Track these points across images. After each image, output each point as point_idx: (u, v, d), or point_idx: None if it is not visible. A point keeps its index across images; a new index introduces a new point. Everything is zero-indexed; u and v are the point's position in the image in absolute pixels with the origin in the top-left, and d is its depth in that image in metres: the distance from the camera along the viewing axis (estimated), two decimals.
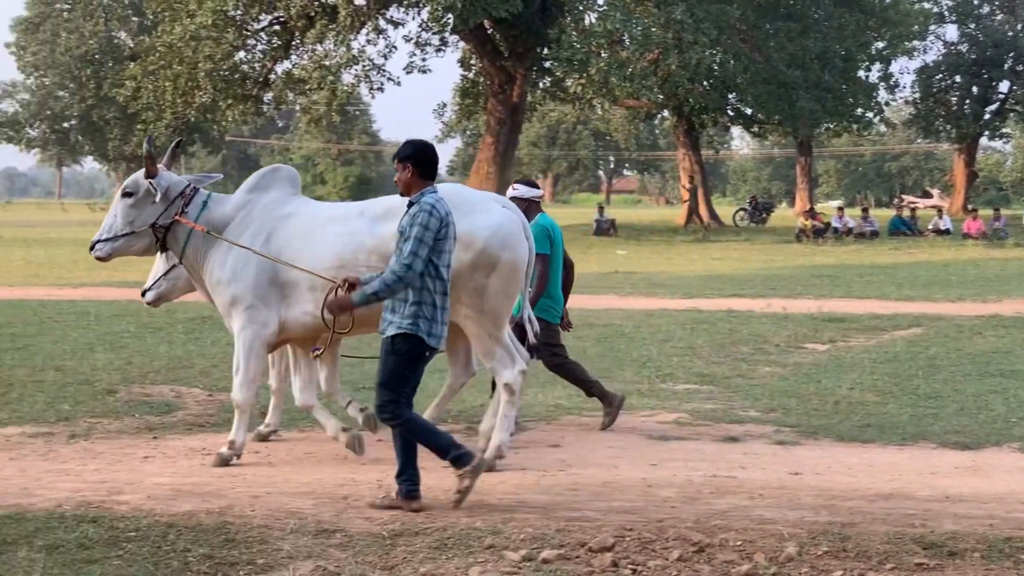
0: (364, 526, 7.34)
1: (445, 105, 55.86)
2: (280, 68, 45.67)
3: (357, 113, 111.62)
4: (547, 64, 45.42)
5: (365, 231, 8.99)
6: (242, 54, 45.72)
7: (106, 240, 9.50)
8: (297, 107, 50.57)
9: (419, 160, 7.82)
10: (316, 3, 41.65)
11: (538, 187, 11.27)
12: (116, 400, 11.92)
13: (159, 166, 9.48)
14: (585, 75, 42.29)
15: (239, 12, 43.54)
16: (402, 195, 7.98)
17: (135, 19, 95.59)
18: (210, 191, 9.68)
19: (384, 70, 44.11)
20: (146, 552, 6.76)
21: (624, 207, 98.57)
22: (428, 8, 42.60)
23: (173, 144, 10.06)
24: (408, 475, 7.86)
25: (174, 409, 11.52)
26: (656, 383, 13.14)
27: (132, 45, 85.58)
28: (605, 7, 42.60)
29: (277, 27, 44.74)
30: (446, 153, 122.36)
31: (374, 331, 8.26)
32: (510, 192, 11.18)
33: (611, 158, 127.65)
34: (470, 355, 9.94)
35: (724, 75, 46.88)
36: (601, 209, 51.88)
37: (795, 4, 50.17)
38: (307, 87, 43.36)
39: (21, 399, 11.74)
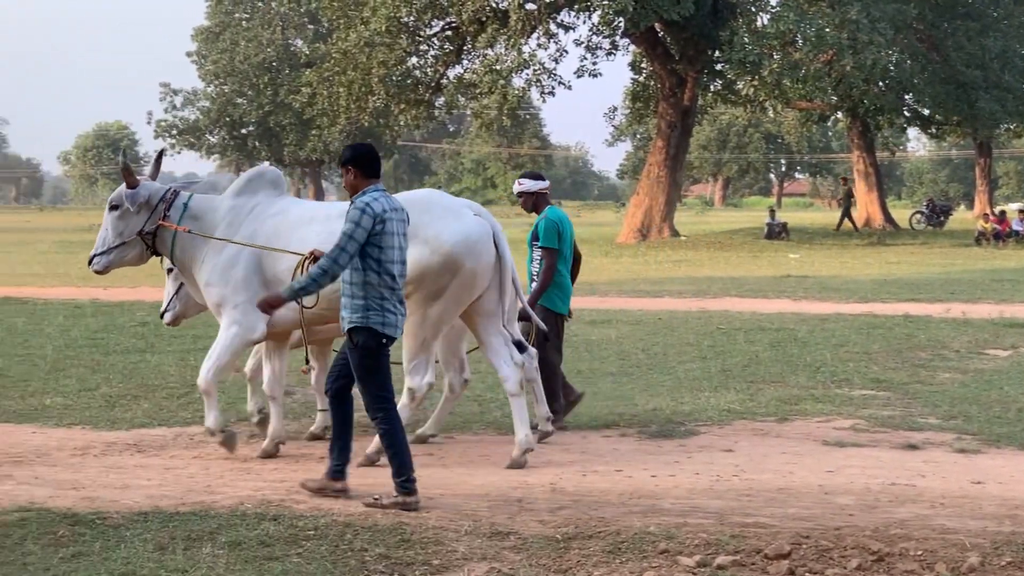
0: (538, 529, 7.36)
1: (616, 109, 55.80)
2: (452, 73, 46.07)
3: (527, 117, 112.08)
4: (719, 66, 45.03)
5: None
6: (415, 59, 46.23)
7: (101, 254, 9.83)
8: (468, 111, 50.99)
9: (359, 162, 8.15)
10: (488, 8, 41.92)
11: (544, 179, 11.48)
12: (293, 401, 12.14)
13: (140, 177, 9.81)
14: (757, 77, 41.85)
15: (412, 18, 44.03)
16: (350, 197, 8.25)
17: (311, 27, 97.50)
18: (191, 193, 9.93)
19: (555, 74, 44.17)
20: (324, 551, 6.87)
21: (795, 210, 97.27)
22: (599, 12, 42.57)
23: (157, 153, 10.33)
24: (403, 474, 7.99)
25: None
26: (831, 388, 12.92)
27: (308, 52, 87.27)
28: (778, 8, 42.10)
29: (449, 32, 45.16)
30: (616, 157, 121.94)
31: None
32: (516, 187, 11.43)
33: (782, 161, 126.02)
34: (463, 361, 10.34)
35: (900, 75, 45.96)
36: (772, 212, 51.24)
37: (974, 3, 48.94)
38: (478, 91, 43.67)
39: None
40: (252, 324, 9.46)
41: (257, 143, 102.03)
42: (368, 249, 7.97)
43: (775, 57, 40.99)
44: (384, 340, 8.02)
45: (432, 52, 46.29)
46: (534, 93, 45.24)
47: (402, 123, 47.06)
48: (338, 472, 8.25)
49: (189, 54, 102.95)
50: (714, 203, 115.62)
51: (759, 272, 30.57)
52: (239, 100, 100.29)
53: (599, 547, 6.93)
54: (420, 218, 9.11)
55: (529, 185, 11.35)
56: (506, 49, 42.43)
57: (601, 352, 15.68)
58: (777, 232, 46.69)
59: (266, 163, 9.47)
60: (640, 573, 6.51)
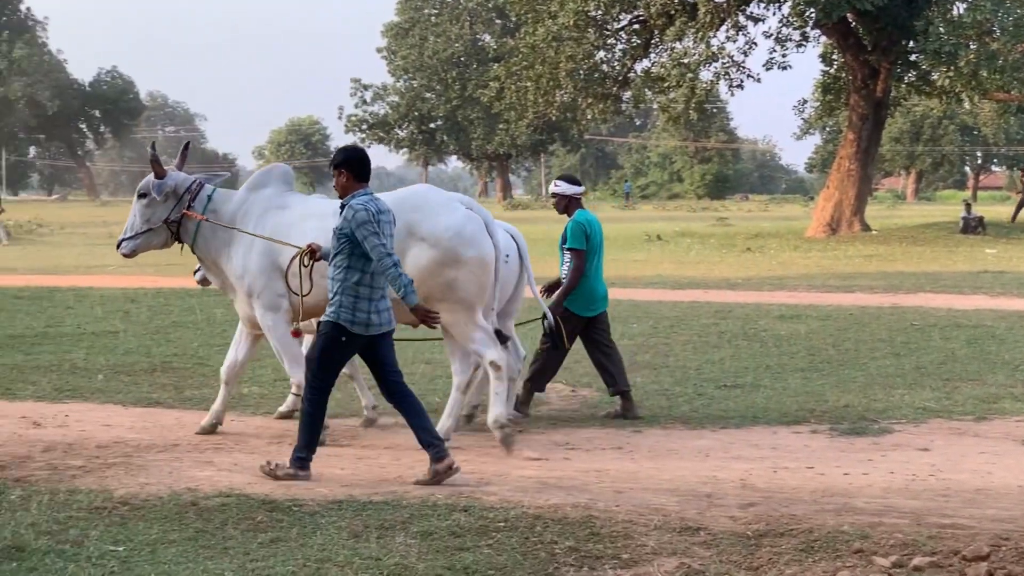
0: (728, 525, 7.29)
1: (805, 101, 54.86)
2: (639, 66, 45.88)
3: (715, 110, 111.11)
4: (913, 57, 43.99)
5: (333, 228, 9.35)
6: (602, 53, 46.16)
7: (129, 238, 10.35)
8: (655, 105, 50.65)
9: (351, 165, 8.61)
10: (676, 1, 41.65)
11: (579, 184, 11.77)
12: (483, 394, 12.23)
13: (169, 168, 10.36)
14: (953, 68, 40.75)
15: (600, 12, 44.00)
16: (340, 198, 8.70)
17: (498, 22, 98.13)
18: (215, 186, 10.49)
19: (743, 67, 43.73)
20: (514, 542, 6.92)
21: (992, 204, 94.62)
22: (790, 3, 41.97)
23: (183, 146, 10.80)
24: (304, 451, 8.56)
25: (537, 404, 11.74)
26: None
27: (496, 47, 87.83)
28: None
29: (637, 26, 44.98)
30: (805, 150, 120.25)
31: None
32: (552, 188, 11.77)
33: (978, 153, 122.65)
34: (515, 342, 10.65)
35: None
36: (968, 206, 49.86)
37: None
38: (666, 85, 43.42)
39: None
40: (276, 304, 10.00)
41: (445, 137, 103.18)
42: (357, 249, 8.41)
43: (971, 47, 39.87)
44: (344, 338, 8.45)
45: (620, 46, 46.16)
46: (722, 86, 44.78)
47: (589, 117, 47.02)
48: (439, 454, 8.46)
49: (379, 50, 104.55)
50: (906, 197, 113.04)
51: (954, 267, 29.82)
52: (427, 95, 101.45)
53: (791, 545, 6.84)
54: (413, 216, 9.60)
55: (564, 188, 11.61)
56: (694, 42, 42.12)
57: (790, 347, 15.48)
58: (973, 227, 45.44)
59: (280, 163, 9.97)
60: (834, 573, 6.40)
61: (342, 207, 8.61)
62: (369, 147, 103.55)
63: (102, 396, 11.90)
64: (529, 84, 45.22)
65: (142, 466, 8.90)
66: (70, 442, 9.80)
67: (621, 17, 44.90)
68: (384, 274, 8.39)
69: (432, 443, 8.47)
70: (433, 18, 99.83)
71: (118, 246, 10.47)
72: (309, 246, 9.09)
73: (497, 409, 9.65)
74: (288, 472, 8.52)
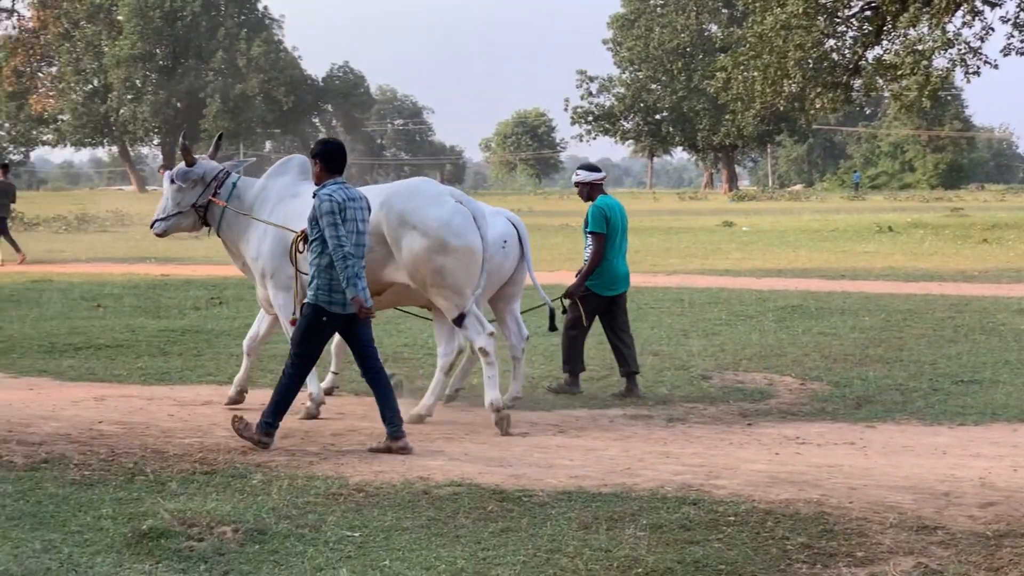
0: (967, 524, 7.08)
1: None
2: (870, 54, 44.91)
3: (949, 98, 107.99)
4: None
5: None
6: (832, 42, 45.35)
7: (161, 220, 11.15)
8: (886, 94, 49.52)
9: (325, 157, 9.30)
10: None
11: (600, 171, 12.41)
12: (710, 386, 12.18)
13: (200, 156, 11.18)
14: None
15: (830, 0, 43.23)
16: (315, 185, 9.43)
17: (725, 11, 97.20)
18: (240, 175, 11.15)
19: (980, 53, 42.39)
20: (745, 537, 6.85)
21: None
22: None
23: (216, 137, 11.72)
24: (272, 418, 9.18)
25: (767, 397, 11.62)
26: None
27: (722, 37, 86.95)
28: None
29: (868, 13, 44.02)
30: None
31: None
32: (574, 177, 12.48)
33: None
34: (518, 323, 11.33)
35: None
36: None
37: None
38: (898, 73, 42.38)
39: (622, 382, 12.20)
40: (287, 285, 10.55)
41: (670, 128, 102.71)
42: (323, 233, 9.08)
43: None
44: (325, 318, 9.15)
45: (850, 33, 45.27)
46: (957, 74, 43.53)
47: (818, 107, 46.22)
48: (396, 433, 9.18)
49: (605, 41, 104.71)
50: None
51: None
52: (653, 86, 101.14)
53: None
54: (407, 205, 10.23)
55: (584, 176, 12.31)
56: (929, 28, 41.03)
57: None
58: None
59: (299, 154, 10.51)
60: None
61: (315, 195, 9.29)
62: (594, 138, 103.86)
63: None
64: (757, 74, 44.69)
65: (376, 454, 9.10)
66: (307, 429, 10.08)
67: (852, 4, 44.01)
68: (336, 263, 9.03)
69: (393, 423, 9.18)
70: (659, 8, 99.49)
71: (151, 226, 11.30)
72: (303, 231, 9.63)
73: (491, 393, 10.21)
74: (253, 436, 9.18)
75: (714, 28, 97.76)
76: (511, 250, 11.11)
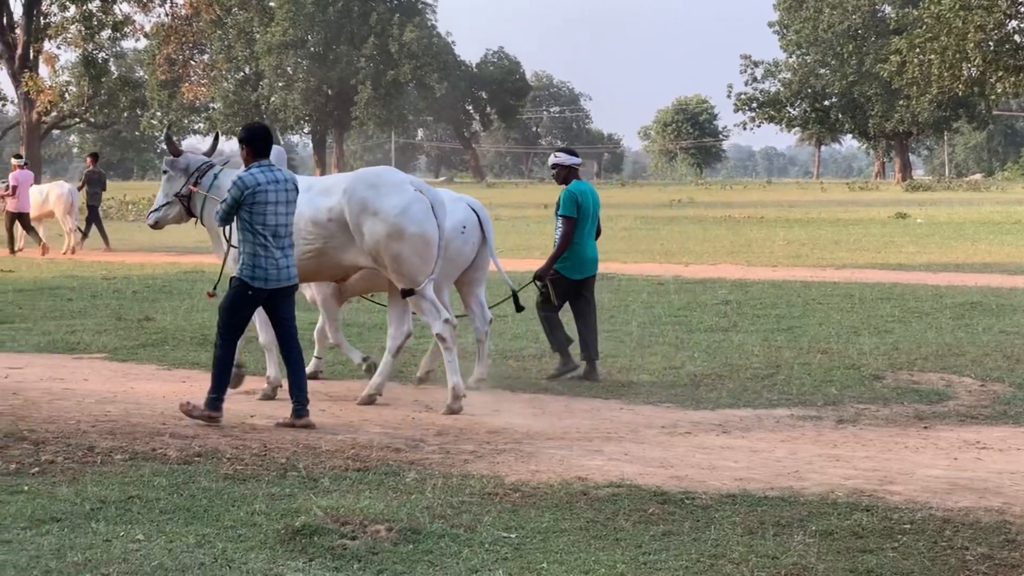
0: None
1: None
2: None
3: None
4: None
5: (305, 203, 11.14)
6: (1015, 23, 44.31)
7: (154, 211, 12.00)
8: None
9: (250, 141, 10.29)
10: None
11: (577, 156, 13.31)
12: (883, 386, 11.98)
13: (184, 148, 12.13)
14: None
15: None
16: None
17: None
18: (223, 167, 11.85)
19: None
20: (921, 547, 6.73)
21: None
22: None
23: (214, 135, 12.84)
24: (216, 392, 10.13)
25: (944, 398, 11.39)
26: None
27: (896, 18, 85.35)
28: None
29: None
30: None
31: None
32: (551, 159, 13.27)
33: None
34: (482, 307, 12.27)
35: None
36: None
37: None
38: None
39: (789, 381, 12.11)
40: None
41: (840, 115, 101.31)
42: (243, 213, 10.06)
43: None
44: (250, 291, 10.10)
45: None
46: None
47: (999, 91, 45.20)
48: (299, 412, 10.10)
49: (771, 24, 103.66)
50: None
51: None
52: (822, 70, 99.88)
53: None
54: (367, 193, 11.08)
55: (563, 159, 13.13)
56: None
57: None
58: None
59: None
60: None
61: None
62: (759, 126, 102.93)
63: (490, 381, 12.26)
64: (933, 57, 43.89)
65: (532, 453, 9.14)
66: (461, 427, 10.17)
67: None
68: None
69: (299, 399, 10.10)
70: None
71: (147, 217, 12.28)
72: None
73: (453, 378, 10.87)
74: (203, 413, 10.09)
75: (887, 9, 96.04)
76: (470, 235, 12.08)
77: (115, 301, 18.98)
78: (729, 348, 14.20)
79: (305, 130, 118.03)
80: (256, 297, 10.18)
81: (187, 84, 69.52)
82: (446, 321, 11.03)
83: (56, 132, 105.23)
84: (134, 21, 61.46)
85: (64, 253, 29.25)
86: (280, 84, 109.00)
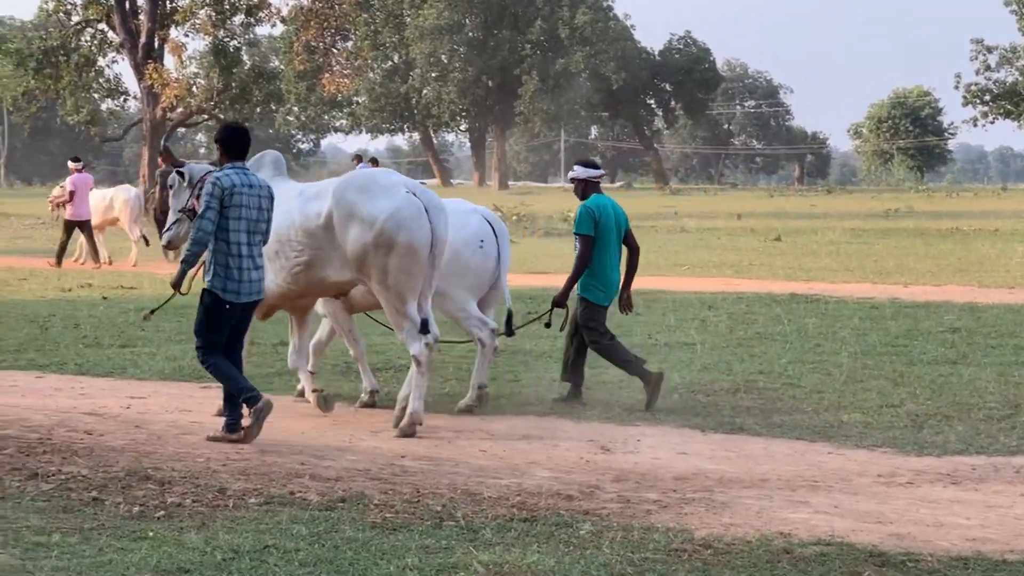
0: None
1: None
2: None
3: None
4: None
5: (296, 210, 11.96)
6: None
7: (166, 230, 12.67)
8: None
9: (226, 142, 11.17)
10: None
11: (596, 167, 13.80)
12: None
13: (186, 161, 12.94)
14: None
15: None
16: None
17: None
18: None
19: None
20: None
21: None
22: None
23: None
24: (230, 412, 10.97)
25: None
26: None
27: None
28: None
29: None
30: None
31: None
32: (570, 174, 13.85)
33: None
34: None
35: None
36: None
37: None
38: None
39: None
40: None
41: None
42: (219, 222, 10.77)
43: None
44: (227, 305, 10.87)
45: None
46: None
47: None
48: (232, 428, 10.92)
49: (1007, 2, 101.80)
50: None
51: None
52: None
53: None
54: (356, 197, 11.70)
55: (579, 172, 13.62)
56: None
57: None
58: None
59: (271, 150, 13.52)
60: None
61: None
62: (992, 122, 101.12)
63: (677, 418, 12.24)
64: None
65: (725, 503, 9.10)
66: (643, 471, 10.15)
67: None
68: (190, 242, 10.92)
69: (232, 414, 10.94)
70: None
71: (160, 237, 13.29)
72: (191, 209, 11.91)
73: (415, 403, 11.57)
74: (229, 438, 10.84)
75: None
76: (489, 249, 12.98)
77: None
78: (958, 384, 13.97)
79: (461, 127, 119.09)
80: (232, 311, 10.98)
81: (328, 75, 70.60)
82: (427, 345, 11.63)
83: (181, 130, 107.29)
84: (269, 4, 62.22)
85: (133, 266, 29.95)
86: (433, 75, 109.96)
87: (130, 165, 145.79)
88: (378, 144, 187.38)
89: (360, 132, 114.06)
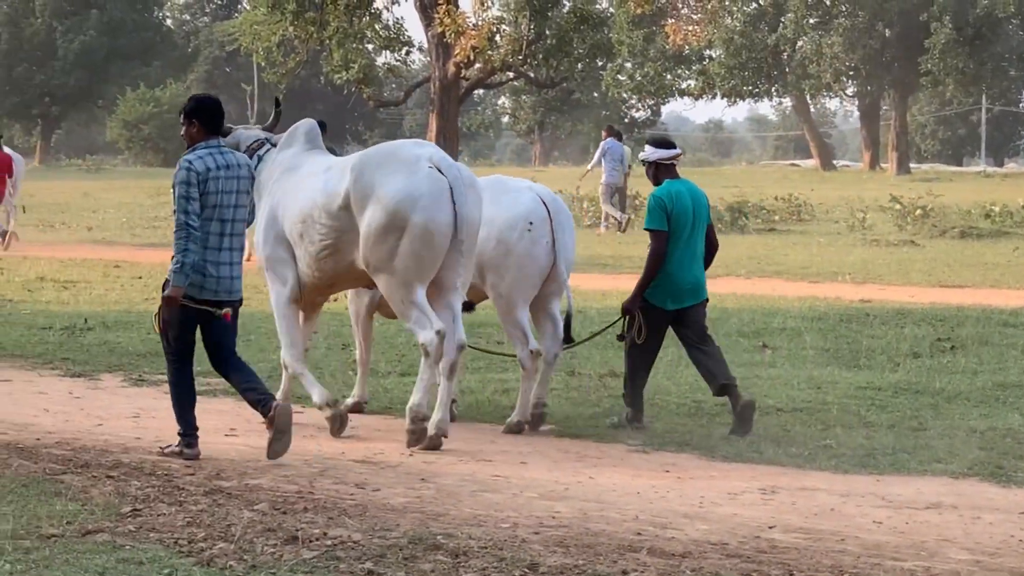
0: None
1: None
2: None
3: None
4: None
5: (320, 188, 13.45)
6: None
7: None
8: None
9: (201, 115, 12.27)
10: None
11: (669, 146, 14.70)
12: None
13: (235, 126, 14.56)
14: None
15: None
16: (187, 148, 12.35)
17: None
18: (272, 146, 14.38)
19: None
20: None
21: None
22: None
23: (275, 103, 14.93)
24: (183, 424, 12.44)
25: None
26: None
27: None
28: None
29: None
30: None
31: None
32: (640, 154, 14.99)
33: None
34: (555, 324, 14.48)
35: None
36: None
37: None
38: None
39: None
40: (283, 277, 13.89)
41: None
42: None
43: None
44: (194, 301, 12.13)
45: None
46: None
47: None
48: (188, 442, 12.34)
49: None
50: None
51: None
52: None
53: None
54: (375, 176, 13.07)
55: (648, 152, 14.64)
56: None
57: None
58: None
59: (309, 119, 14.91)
60: None
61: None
62: None
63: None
64: None
65: None
66: None
67: None
68: (175, 240, 12.09)
69: (184, 429, 12.38)
70: None
71: None
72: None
73: (417, 395, 13.10)
74: (175, 450, 12.35)
75: None
76: (540, 235, 14.10)
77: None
78: None
79: (848, 92, 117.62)
80: (201, 311, 12.27)
81: (673, 21, 70.41)
82: (438, 332, 12.91)
83: (478, 93, 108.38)
84: None
85: None
86: (812, 20, 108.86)
87: (412, 136, 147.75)
88: (736, 112, 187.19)
89: (713, 96, 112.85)
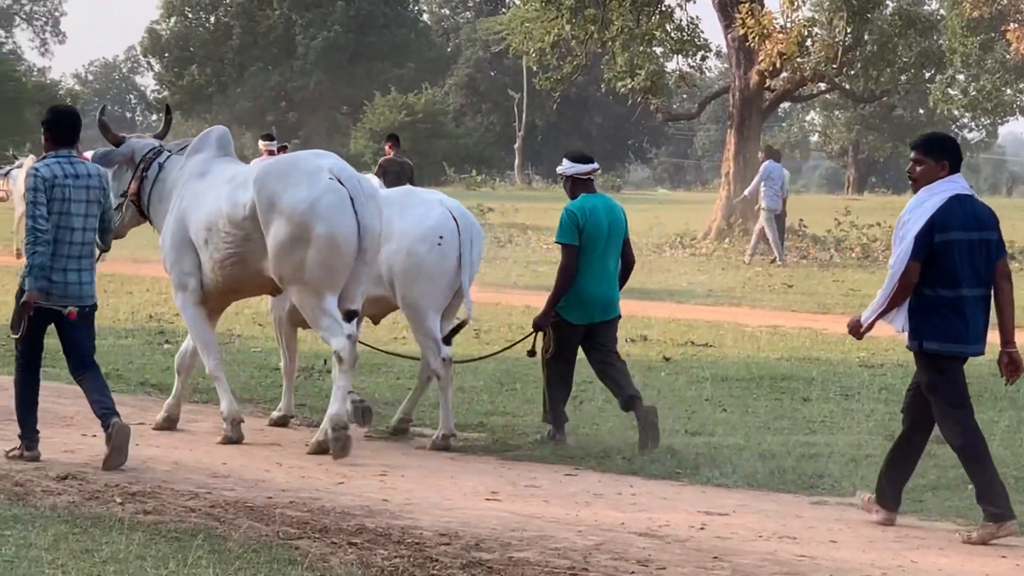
0: None
1: None
2: None
3: None
4: None
5: (225, 197, 15.42)
6: None
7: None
8: None
9: (52, 127, 14.35)
10: None
11: (585, 161, 16.59)
12: None
13: (128, 135, 16.94)
14: None
15: None
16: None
17: None
18: (170, 153, 16.52)
19: None
20: None
21: None
22: None
23: (164, 110, 17.99)
24: (25, 428, 14.66)
25: None
26: None
27: None
28: None
29: None
30: None
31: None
32: (558, 168, 16.79)
33: None
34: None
35: None
36: None
37: None
38: None
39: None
40: (184, 282, 16.04)
41: None
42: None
43: None
44: (46, 309, 14.14)
45: None
46: None
47: None
48: (29, 444, 14.46)
49: None
50: None
51: None
52: None
53: None
54: (276, 186, 15.03)
55: (564, 167, 16.58)
56: None
57: None
58: None
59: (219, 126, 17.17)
60: None
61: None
62: None
63: None
64: None
65: None
66: None
67: None
68: (24, 245, 14.13)
69: (26, 434, 14.51)
70: None
71: None
72: None
73: (336, 406, 15.07)
74: (15, 453, 14.44)
75: None
76: (449, 248, 16.02)
77: (882, 406, 19.03)
78: None
79: None
80: (48, 315, 14.27)
81: (1015, 27, 69.25)
82: (349, 337, 15.07)
83: (784, 107, 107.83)
84: None
85: None
86: None
87: (705, 156, 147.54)
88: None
89: None
